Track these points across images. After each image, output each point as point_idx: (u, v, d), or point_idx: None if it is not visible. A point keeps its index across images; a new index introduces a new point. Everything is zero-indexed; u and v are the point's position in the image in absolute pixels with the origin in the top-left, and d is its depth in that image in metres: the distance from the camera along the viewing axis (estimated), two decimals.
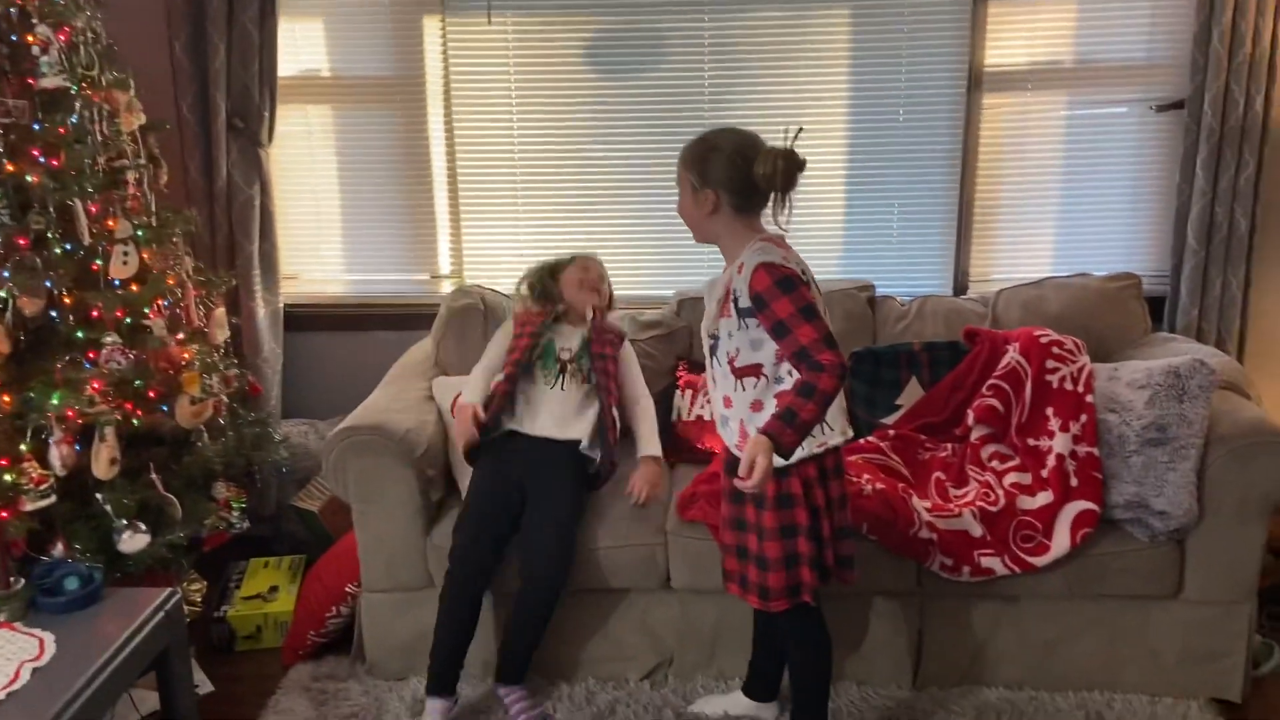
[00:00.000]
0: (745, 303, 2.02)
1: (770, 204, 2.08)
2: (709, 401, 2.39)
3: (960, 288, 3.54)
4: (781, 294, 1.96)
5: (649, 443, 2.83)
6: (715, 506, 2.45)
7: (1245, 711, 2.59)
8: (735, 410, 2.12)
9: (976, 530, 2.53)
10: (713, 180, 2.07)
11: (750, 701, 2.55)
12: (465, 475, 2.78)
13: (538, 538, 2.57)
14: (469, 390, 2.82)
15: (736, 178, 2.05)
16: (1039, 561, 2.50)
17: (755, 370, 2.06)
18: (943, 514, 2.57)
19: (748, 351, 2.05)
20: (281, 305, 3.54)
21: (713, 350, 2.13)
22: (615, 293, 3.08)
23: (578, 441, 2.74)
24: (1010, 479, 2.66)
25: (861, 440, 2.86)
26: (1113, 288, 3.13)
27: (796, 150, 2.01)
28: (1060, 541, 2.51)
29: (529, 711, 2.54)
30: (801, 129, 2.04)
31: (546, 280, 3.00)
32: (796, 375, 1.97)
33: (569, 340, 2.89)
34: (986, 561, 2.50)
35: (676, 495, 2.69)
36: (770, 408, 2.04)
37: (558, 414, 2.77)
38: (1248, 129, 3.15)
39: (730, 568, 2.22)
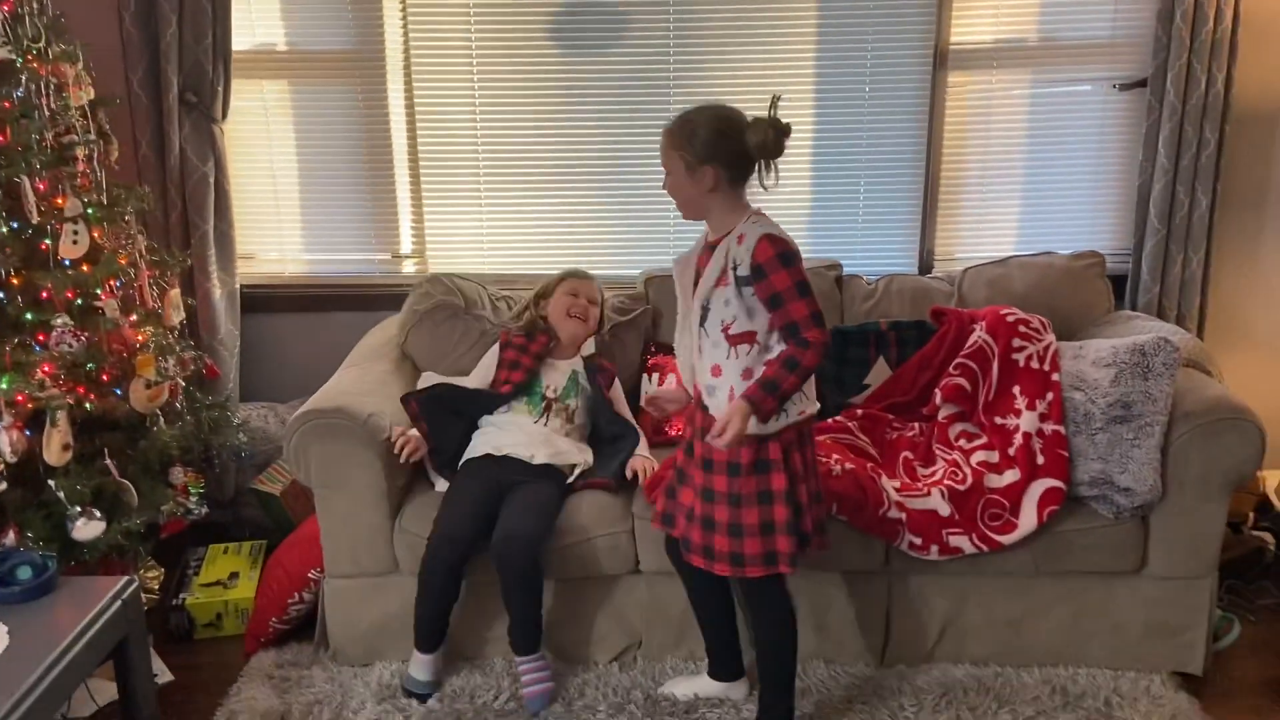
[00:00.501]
0: (745, 271, 2.06)
1: (758, 172, 2.14)
2: (680, 382, 2.36)
3: (926, 266, 3.54)
4: (782, 267, 2.05)
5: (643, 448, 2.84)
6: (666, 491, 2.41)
7: (1206, 684, 2.63)
8: (724, 379, 2.14)
9: (945, 510, 2.54)
10: (709, 156, 2.10)
11: (718, 684, 2.54)
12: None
13: (515, 509, 2.56)
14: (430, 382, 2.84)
15: (731, 150, 2.10)
16: (1006, 540, 2.52)
17: (749, 337, 2.10)
18: (912, 494, 2.58)
19: (744, 320, 2.09)
20: (238, 286, 3.45)
21: (702, 320, 2.15)
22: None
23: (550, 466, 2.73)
24: (978, 457, 2.67)
25: (830, 420, 2.86)
26: (1077, 266, 3.15)
27: (780, 116, 2.07)
28: (1027, 520, 2.52)
29: (534, 685, 2.52)
30: (780, 97, 2.13)
31: (532, 309, 3.01)
32: (784, 346, 2.06)
33: (555, 380, 2.87)
34: (955, 540, 2.51)
35: (644, 479, 2.67)
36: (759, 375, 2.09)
37: (530, 446, 2.73)
38: (1209, 107, 3.17)
39: (695, 539, 2.22)
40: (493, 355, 2.93)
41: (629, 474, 2.72)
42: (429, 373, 3.02)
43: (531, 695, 2.52)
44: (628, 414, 2.93)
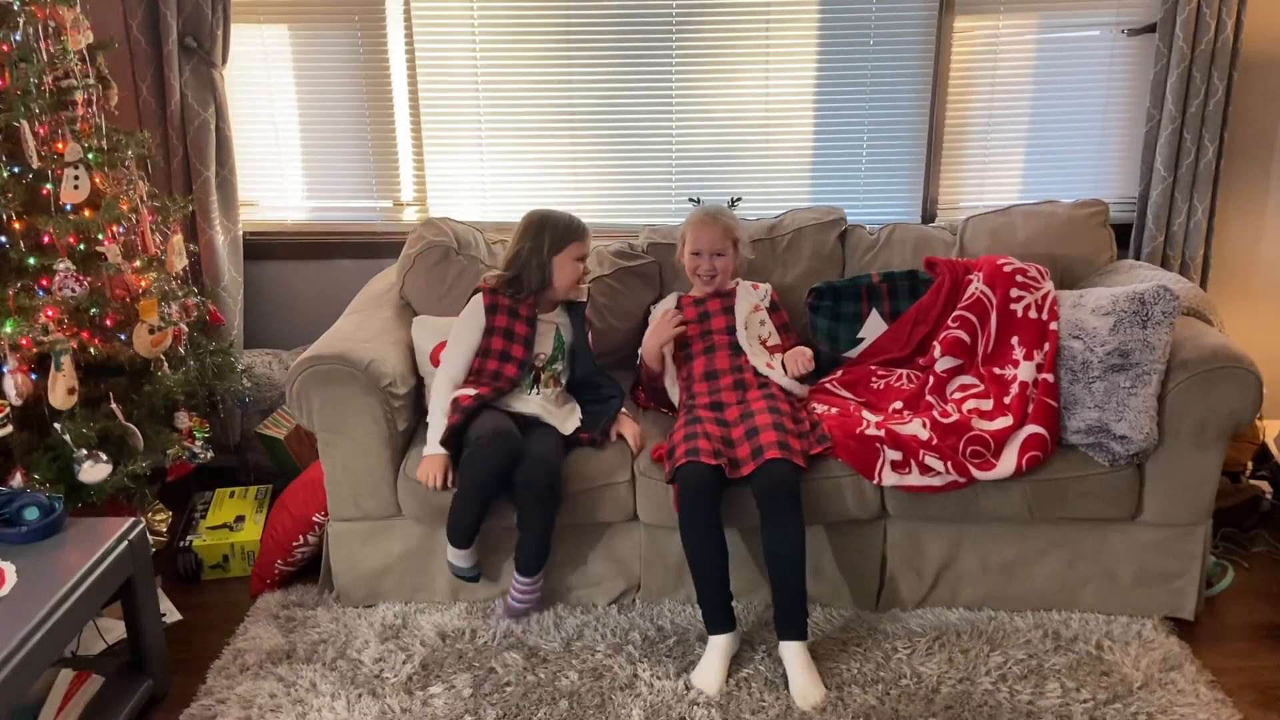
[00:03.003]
0: (768, 303, 3.00)
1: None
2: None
3: (929, 215, 3.53)
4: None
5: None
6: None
7: (1197, 630, 2.66)
8: (768, 368, 2.85)
9: (924, 435, 2.56)
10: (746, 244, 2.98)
11: (726, 641, 2.49)
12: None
13: (539, 441, 2.61)
14: (434, 424, 2.63)
15: None
16: (981, 476, 2.52)
17: (778, 347, 2.93)
18: (894, 422, 2.62)
19: (773, 335, 2.96)
20: (241, 233, 3.46)
21: (738, 343, 2.88)
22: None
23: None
24: (969, 404, 2.67)
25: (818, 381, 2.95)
26: (1080, 214, 3.13)
27: None
28: (1006, 463, 2.53)
29: (519, 600, 2.64)
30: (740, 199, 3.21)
31: (534, 260, 2.74)
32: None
33: (541, 342, 2.77)
34: (931, 461, 2.52)
35: (652, 446, 2.68)
36: (776, 360, 2.87)
37: (533, 409, 2.73)
38: (1218, 54, 3.14)
39: (769, 439, 2.53)
40: (476, 315, 2.73)
41: (614, 435, 2.74)
42: (422, 317, 2.96)
43: (511, 607, 2.64)
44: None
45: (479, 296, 2.75)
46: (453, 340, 2.74)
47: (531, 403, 2.73)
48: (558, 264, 2.74)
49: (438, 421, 2.63)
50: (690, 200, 3.11)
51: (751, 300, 2.95)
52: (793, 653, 2.42)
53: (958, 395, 2.74)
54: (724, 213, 2.95)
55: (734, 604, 2.51)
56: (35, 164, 2.50)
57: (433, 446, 2.61)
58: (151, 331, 2.71)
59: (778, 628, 2.46)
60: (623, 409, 2.80)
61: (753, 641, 2.58)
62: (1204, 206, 3.28)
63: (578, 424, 2.75)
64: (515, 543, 2.61)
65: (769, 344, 2.93)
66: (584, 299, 2.89)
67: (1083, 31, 3.36)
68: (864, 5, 3.33)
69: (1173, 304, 2.52)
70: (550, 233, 2.74)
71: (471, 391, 2.64)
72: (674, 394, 2.88)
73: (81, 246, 2.61)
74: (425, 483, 2.59)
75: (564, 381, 2.84)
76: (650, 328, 2.94)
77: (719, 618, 2.48)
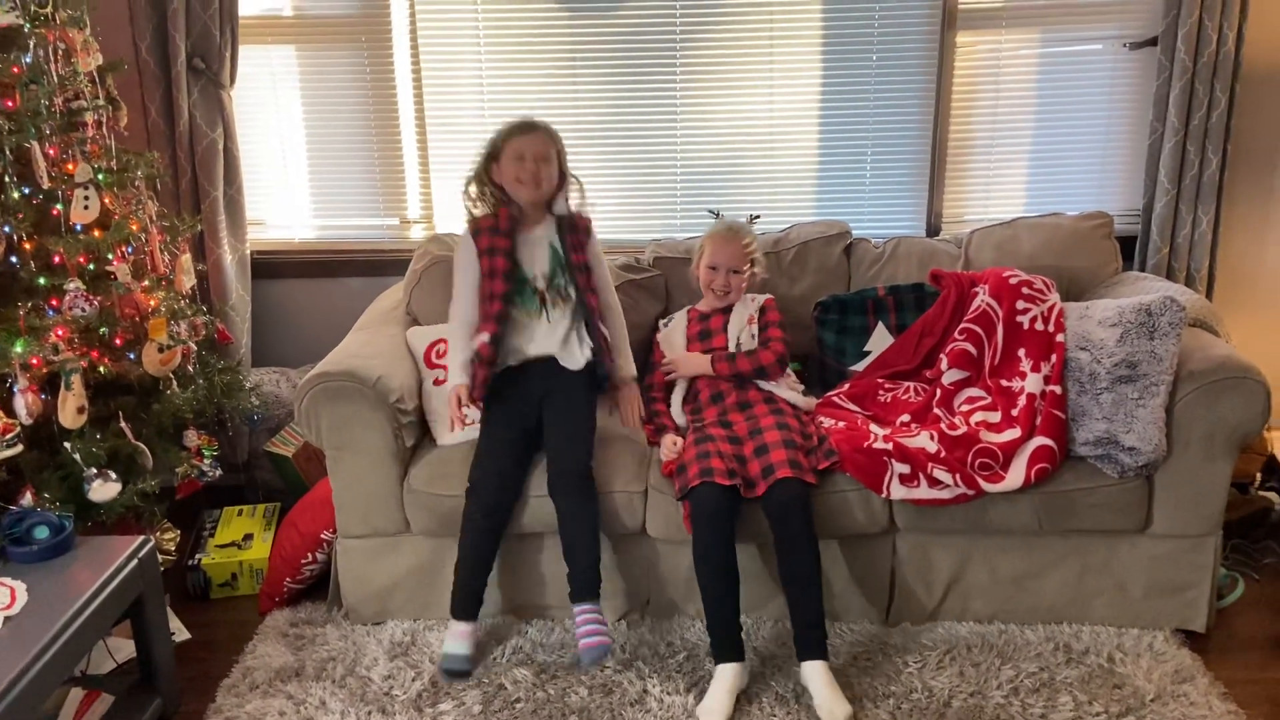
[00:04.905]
0: (759, 310, 2.94)
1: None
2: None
3: (933, 229, 3.54)
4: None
5: (626, 361, 2.81)
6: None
7: (1209, 642, 2.65)
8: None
9: (933, 447, 2.56)
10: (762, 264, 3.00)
11: (733, 671, 2.43)
12: (441, 424, 2.77)
13: (560, 438, 2.60)
14: (453, 364, 2.67)
15: None
16: (990, 488, 2.52)
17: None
18: (901, 435, 2.62)
19: (754, 340, 2.91)
20: (248, 252, 3.48)
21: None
22: (572, 170, 2.77)
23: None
24: (977, 417, 2.67)
25: (824, 396, 2.94)
26: (1085, 227, 3.13)
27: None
28: (1015, 475, 2.53)
29: (591, 636, 2.44)
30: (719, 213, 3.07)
31: (483, 174, 2.73)
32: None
33: (536, 258, 2.70)
34: (939, 474, 2.51)
35: (663, 463, 2.66)
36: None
37: (551, 342, 2.70)
38: (1219, 66, 3.15)
39: (779, 457, 2.52)
40: (466, 247, 2.73)
41: (623, 423, 2.76)
42: (415, 328, 2.97)
43: (588, 646, 2.42)
44: (607, 286, 2.82)
45: (467, 232, 2.75)
46: (455, 285, 2.75)
47: (544, 339, 2.69)
48: (502, 171, 2.69)
49: (458, 363, 2.66)
50: (709, 212, 3.07)
51: (745, 313, 2.92)
52: (815, 672, 2.38)
53: (965, 408, 2.74)
54: (747, 231, 2.95)
55: (743, 633, 2.47)
56: (46, 185, 2.52)
57: (453, 381, 2.64)
58: (160, 350, 2.72)
59: (798, 647, 2.42)
60: (624, 375, 2.78)
61: (763, 657, 2.57)
62: (1208, 218, 3.29)
63: (589, 357, 2.70)
64: (566, 574, 2.55)
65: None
66: (560, 211, 2.76)
67: (1085, 45, 3.37)
68: (867, 21, 3.35)
69: (1179, 315, 2.52)
70: (492, 140, 2.73)
71: (487, 336, 2.64)
72: (678, 413, 2.85)
73: (91, 266, 2.63)
74: (450, 412, 2.60)
75: (574, 297, 2.72)
76: (670, 359, 2.93)
77: (726, 646, 2.43)
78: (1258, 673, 2.54)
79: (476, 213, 2.77)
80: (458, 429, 2.67)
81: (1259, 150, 3.37)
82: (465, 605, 2.57)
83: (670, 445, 2.66)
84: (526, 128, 2.70)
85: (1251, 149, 3.36)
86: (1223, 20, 3.10)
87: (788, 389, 2.83)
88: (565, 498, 2.54)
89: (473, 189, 2.76)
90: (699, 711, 2.39)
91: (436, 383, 2.81)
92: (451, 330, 2.75)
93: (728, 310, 2.94)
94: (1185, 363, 2.54)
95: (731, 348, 2.87)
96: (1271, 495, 3.22)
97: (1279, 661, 2.59)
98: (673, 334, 3.00)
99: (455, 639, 2.55)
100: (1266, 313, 3.48)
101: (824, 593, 2.49)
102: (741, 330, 2.89)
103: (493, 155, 2.71)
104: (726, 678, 2.41)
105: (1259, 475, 3.27)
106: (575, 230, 2.76)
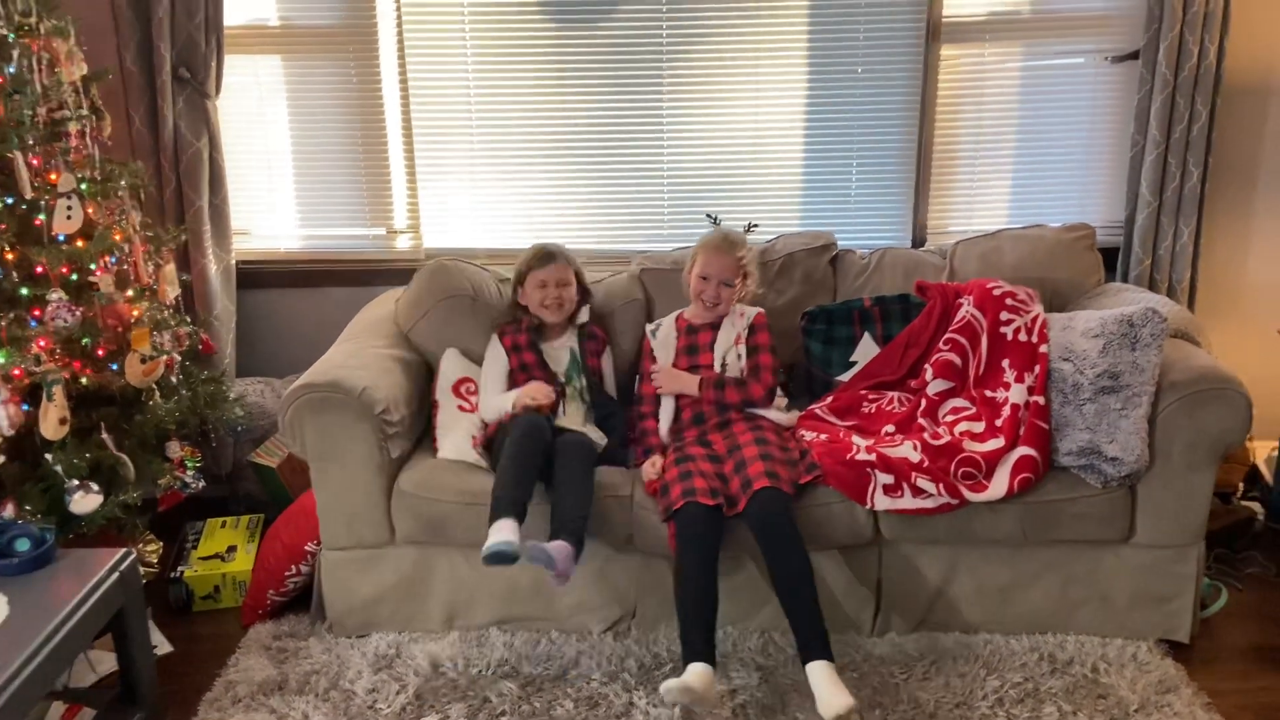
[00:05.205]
0: (748, 329, 2.90)
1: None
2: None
3: (919, 240, 3.55)
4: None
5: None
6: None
7: (1192, 652, 2.66)
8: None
9: (915, 457, 2.57)
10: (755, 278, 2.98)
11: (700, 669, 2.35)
12: (448, 438, 2.82)
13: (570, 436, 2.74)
14: (494, 404, 2.86)
15: None
16: (973, 498, 2.53)
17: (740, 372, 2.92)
18: (884, 445, 2.63)
19: (742, 358, 2.90)
20: (233, 261, 3.46)
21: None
22: (584, 272, 3.04)
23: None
24: (961, 427, 2.69)
25: (806, 409, 2.94)
26: (1068, 238, 3.16)
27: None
28: (998, 485, 2.54)
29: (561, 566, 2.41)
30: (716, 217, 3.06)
31: (514, 295, 3.02)
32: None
33: (557, 360, 2.93)
34: (922, 482, 2.52)
35: (647, 481, 2.67)
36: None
37: (571, 423, 2.84)
38: (1200, 80, 3.18)
39: (756, 470, 2.53)
40: (495, 348, 2.96)
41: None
42: (451, 350, 3.04)
43: (559, 574, 2.42)
44: (612, 390, 3.01)
45: (494, 335, 2.99)
46: (484, 375, 2.95)
47: (564, 420, 2.84)
48: (528, 295, 2.96)
49: (502, 398, 2.83)
50: (706, 217, 3.05)
51: (733, 332, 2.90)
52: (819, 670, 2.29)
53: (950, 418, 2.75)
54: (742, 243, 2.91)
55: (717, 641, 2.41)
56: (29, 195, 2.51)
57: (514, 394, 2.81)
58: (143, 361, 2.71)
59: (801, 651, 2.35)
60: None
61: (748, 666, 2.57)
62: (1189, 230, 3.32)
63: (604, 441, 2.81)
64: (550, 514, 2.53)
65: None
66: (583, 320, 3.00)
67: (1067, 59, 3.40)
68: (852, 34, 3.37)
69: (1160, 326, 2.54)
70: (517, 267, 3.00)
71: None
72: (664, 426, 2.86)
73: (74, 276, 2.61)
74: (539, 397, 2.74)
75: (587, 398, 2.92)
76: (665, 377, 2.90)
77: (698, 648, 2.35)
78: (1241, 682, 2.56)
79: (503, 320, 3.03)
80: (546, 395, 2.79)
81: (1239, 163, 3.40)
82: (508, 508, 2.47)
83: (650, 467, 2.68)
84: (546, 258, 2.95)
85: (1232, 162, 3.39)
86: (1204, 35, 3.13)
87: (772, 408, 2.83)
88: (566, 455, 2.62)
89: (506, 316, 3.03)
90: (662, 687, 2.29)
91: (460, 409, 2.92)
92: (484, 402, 2.91)
93: (716, 325, 2.92)
94: (1167, 373, 2.56)
95: (717, 367, 2.86)
96: (1253, 505, 3.25)
97: (1262, 671, 2.60)
98: (662, 344, 2.97)
99: (499, 532, 2.42)
100: (1248, 323, 3.51)
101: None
102: (728, 350, 2.87)
103: (519, 280, 2.99)
104: (695, 673, 2.29)
105: (1241, 485, 3.30)
106: (594, 338, 3.00)
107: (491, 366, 2.95)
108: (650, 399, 2.90)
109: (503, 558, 2.39)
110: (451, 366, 3.01)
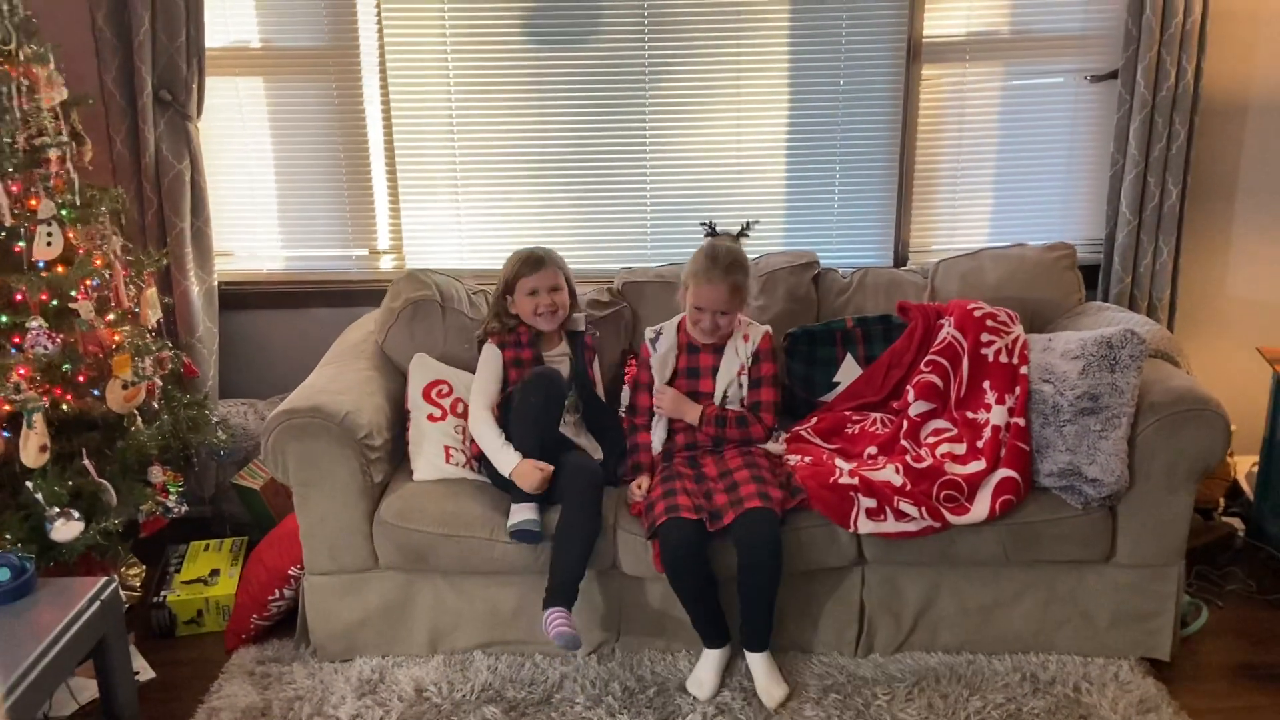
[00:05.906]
0: (751, 358, 2.81)
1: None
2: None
3: (900, 259, 3.57)
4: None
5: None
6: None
7: (1174, 669, 2.67)
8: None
9: (898, 480, 2.59)
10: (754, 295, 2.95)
11: (719, 653, 2.60)
12: (421, 458, 2.81)
13: (577, 456, 2.75)
14: (498, 449, 2.68)
15: None
16: (955, 520, 2.55)
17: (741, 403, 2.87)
18: (866, 468, 2.64)
19: (744, 388, 2.84)
20: (216, 283, 3.46)
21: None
22: (574, 285, 2.95)
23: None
24: (943, 449, 2.70)
25: (789, 430, 2.94)
26: (1049, 257, 3.17)
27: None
28: (980, 507, 2.56)
29: (560, 625, 2.43)
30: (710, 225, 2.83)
31: (500, 305, 2.91)
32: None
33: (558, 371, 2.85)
34: (905, 506, 2.53)
35: (632, 503, 2.69)
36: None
37: (568, 435, 2.84)
38: (1179, 99, 3.21)
39: (749, 491, 2.59)
40: (493, 354, 2.85)
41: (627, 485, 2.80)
42: (423, 355, 3.01)
43: (560, 633, 2.43)
44: (600, 395, 2.96)
45: (489, 342, 2.89)
46: (478, 380, 2.85)
47: (563, 429, 2.82)
48: (516, 301, 2.87)
49: (500, 446, 2.68)
50: (702, 224, 2.82)
51: (736, 363, 2.78)
52: (761, 661, 2.57)
53: (931, 439, 2.76)
54: (735, 268, 2.69)
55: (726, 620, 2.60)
56: (8, 222, 2.50)
57: (514, 459, 2.63)
58: (125, 387, 2.70)
59: (746, 639, 2.58)
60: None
61: (735, 668, 2.61)
62: (1169, 248, 3.34)
63: (599, 454, 2.82)
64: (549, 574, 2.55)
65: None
66: (578, 328, 2.95)
67: (1047, 79, 3.43)
68: (833, 54, 3.39)
69: (1139, 348, 2.55)
70: (504, 275, 2.90)
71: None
72: (657, 442, 2.84)
73: (54, 303, 2.60)
74: (532, 486, 2.59)
75: (580, 409, 2.89)
76: (664, 397, 2.82)
77: (713, 633, 2.59)
78: (1222, 700, 2.57)
79: (495, 327, 2.92)
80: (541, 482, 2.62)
81: (1218, 181, 3.43)
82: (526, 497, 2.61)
83: (636, 489, 2.69)
84: (535, 263, 2.85)
85: (1211, 180, 3.42)
86: (1181, 55, 3.16)
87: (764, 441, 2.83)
88: (573, 490, 2.60)
89: (494, 324, 2.91)
90: (688, 684, 2.58)
91: (430, 419, 2.85)
92: (477, 418, 2.77)
93: (719, 350, 2.81)
94: (1146, 395, 2.57)
95: (717, 399, 2.79)
96: (1234, 521, 3.26)
97: (1243, 689, 2.62)
98: (661, 361, 2.83)
99: (522, 511, 2.58)
100: (1227, 342, 3.53)
101: (793, 624, 2.58)
102: (730, 383, 2.78)
103: (507, 287, 2.88)
104: (713, 657, 2.59)
105: (1223, 500, 3.31)
106: (587, 347, 2.95)
107: (484, 378, 2.83)
108: (646, 411, 2.86)
109: (528, 536, 2.56)
110: (421, 371, 2.95)
